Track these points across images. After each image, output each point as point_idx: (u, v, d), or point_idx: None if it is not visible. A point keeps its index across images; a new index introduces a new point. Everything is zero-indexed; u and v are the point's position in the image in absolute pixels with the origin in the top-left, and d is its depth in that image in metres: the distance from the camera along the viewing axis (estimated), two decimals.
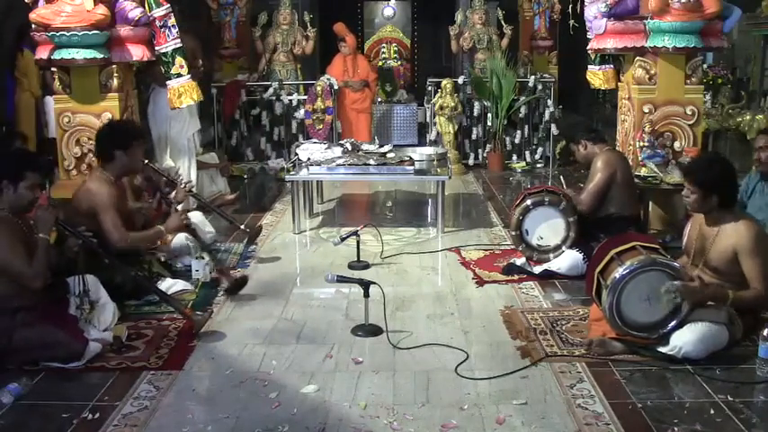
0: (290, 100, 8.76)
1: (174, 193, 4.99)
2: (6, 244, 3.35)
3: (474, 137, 8.83)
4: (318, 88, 8.38)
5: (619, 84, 5.89)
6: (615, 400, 3.06)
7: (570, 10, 7.63)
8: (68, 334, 3.41)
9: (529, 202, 4.81)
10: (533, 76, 8.86)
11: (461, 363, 3.43)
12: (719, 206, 3.49)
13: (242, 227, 5.24)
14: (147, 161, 5.14)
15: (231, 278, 4.44)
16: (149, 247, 4.58)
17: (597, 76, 6.02)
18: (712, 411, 2.95)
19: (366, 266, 4.91)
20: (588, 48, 5.83)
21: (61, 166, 5.48)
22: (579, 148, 4.90)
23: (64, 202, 4.59)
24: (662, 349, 3.38)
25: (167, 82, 5.45)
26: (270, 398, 3.12)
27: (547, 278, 4.60)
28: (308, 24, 9.29)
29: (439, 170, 6.06)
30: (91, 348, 3.42)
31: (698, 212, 3.59)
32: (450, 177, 5.85)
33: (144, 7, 5.23)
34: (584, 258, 4.51)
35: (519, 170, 8.58)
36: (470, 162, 8.77)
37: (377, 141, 6.69)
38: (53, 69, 5.40)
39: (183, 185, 4.95)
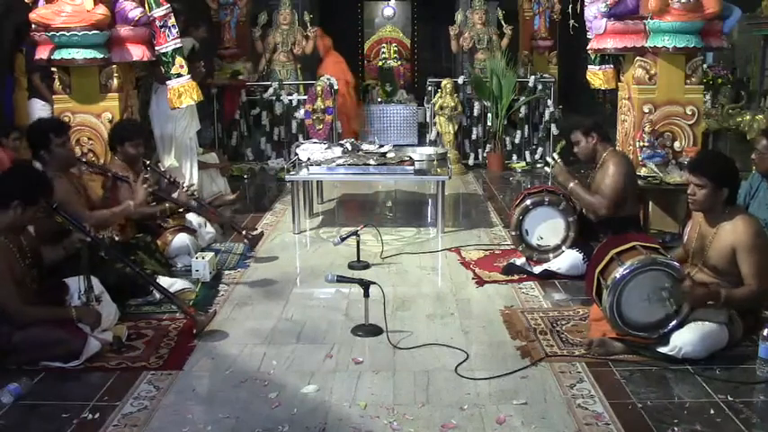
0: (290, 100, 8.76)
1: (176, 193, 5.00)
2: None
3: (474, 137, 8.84)
4: (318, 88, 8.38)
5: (619, 84, 5.89)
6: (615, 400, 3.06)
7: (570, 10, 7.63)
8: (67, 331, 3.41)
9: (529, 202, 4.81)
10: (533, 76, 8.86)
11: (461, 363, 3.43)
12: (725, 201, 3.48)
13: (244, 233, 5.25)
14: (147, 162, 5.16)
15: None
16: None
17: (597, 76, 6.01)
18: (712, 411, 2.95)
19: (366, 266, 4.91)
20: (588, 48, 5.82)
21: None
22: (588, 139, 4.70)
23: None
24: (662, 349, 3.38)
25: (167, 82, 5.45)
26: (270, 398, 3.12)
27: (547, 278, 4.60)
28: (308, 24, 9.30)
29: (439, 170, 6.07)
30: (91, 345, 3.42)
31: (703, 210, 3.55)
32: (450, 177, 5.85)
33: (144, 7, 5.23)
34: (584, 258, 4.51)
35: (519, 170, 8.58)
36: (470, 162, 8.78)
37: (377, 141, 6.69)
38: (41, 72, 5.36)
39: (186, 188, 4.95)
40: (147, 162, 5.20)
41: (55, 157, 4.19)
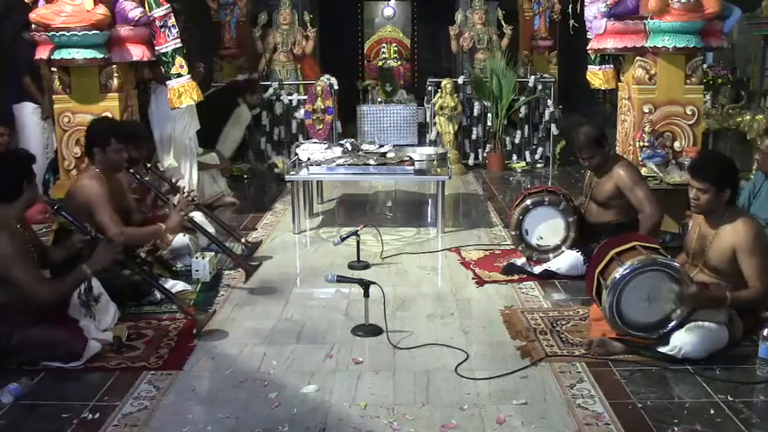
0: (290, 100, 8.76)
1: (176, 198, 5.00)
2: (12, 255, 3.31)
3: (474, 137, 8.83)
4: (318, 88, 8.38)
5: (619, 84, 5.89)
6: (615, 400, 3.06)
7: (570, 10, 7.63)
8: (68, 333, 3.41)
9: (529, 202, 4.81)
10: (533, 76, 8.85)
11: (461, 363, 3.43)
12: (726, 202, 3.47)
13: (243, 240, 5.26)
14: (149, 165, 5.17)
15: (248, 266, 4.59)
16: (151, 246, 4.58)
17: (597, 76, 6.01)
18: (712, 411, 2.95)
19: (366, 266, 4.91)
20: (588, 48, 5.82)
21: (61, 166, 5.49)
22: (604, 150, 4.62)
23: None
24: (662, 349, 3.38)
25: (167, 82, 5.45)
26: (270, 398, 3.12)
27: (547, 278, 4.60)
28: (308, 24, 9.30)
29: (439, 170, 6.07)
30: (91, 347, 3.42)
31: (706, 213, 3.53)
32: (450, 177, 5.85)
33: (144, 7, 5.23)
34: (584, 259, 4.51)
35: (519, 170, 8.59)
36: (470, 162, 8.77)
37: (377, 141, 6.69)
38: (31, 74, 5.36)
39: (186, 194, 4.97)
40: (149, 165, 5.21)
41: (106, 159, 4.23)
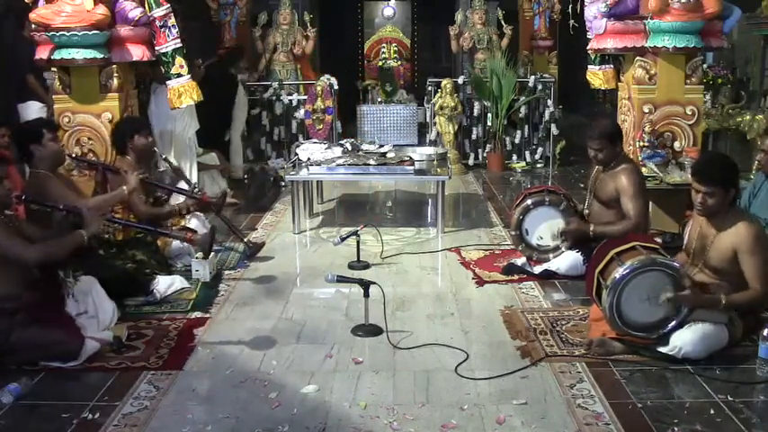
0: (290, 100, 8.76)
1: (186, 203, 5.02)
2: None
3: (474, 137, 8.84)
4: (318, 88, 8.38)
5: (619, 84, 5.89)
6: (615, 400, 3.06)
7: (570, 10, 7.63)
8: (65, 332, 3.41)
9: (529, 201, 4.81)
10: (533, 76, 8.85)
11: (461, 363, 3.43)
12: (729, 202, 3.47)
13: (245, 240, 5.26)
14: (165, 157, 5.23)
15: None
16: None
17: (597, 76, 6.01)
18: (712, 411, 2.96)
19: (366, 266, 4.91)
20: (588, 48, 5.82)
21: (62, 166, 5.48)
22: (615, 148, 4.55)
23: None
24: (662, 349, 3.38)
25: (167, 82, 5.45)
26: (270, 398, 3.13)
27: (547, 278, 4.60)
28: (308, 24, 9.30)
29: (439, 170, 6.07)
30: (88, 347, 3.42)
31: (713, 214, 3.49)
32: (450, 177, 5.85)
33: (144, 7, 5.23)
34: (583, 259, 4.51)
35: (519, 170, 8.59)
36: (470, 162, 8.77)
37: (377, 141, 6.69)
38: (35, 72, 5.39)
39: (191, 191, 4.98)
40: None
41: (46, 151, 4.22)
